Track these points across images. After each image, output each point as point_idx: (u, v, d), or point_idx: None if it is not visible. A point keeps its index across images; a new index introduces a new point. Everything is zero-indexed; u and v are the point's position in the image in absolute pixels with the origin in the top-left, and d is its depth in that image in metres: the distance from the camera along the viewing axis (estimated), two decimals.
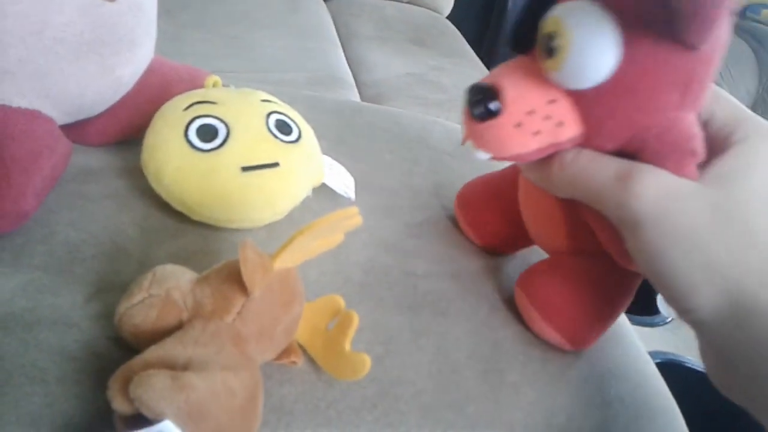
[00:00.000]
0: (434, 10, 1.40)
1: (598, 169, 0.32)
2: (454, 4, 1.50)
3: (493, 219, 0.47)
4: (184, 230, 0.40)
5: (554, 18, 0.30)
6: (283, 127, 0.42)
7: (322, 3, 1.25)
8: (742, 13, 2.20)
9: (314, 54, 1.05)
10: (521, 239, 0.47)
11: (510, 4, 1.83)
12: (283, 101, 0.46)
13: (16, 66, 0.34)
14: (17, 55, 0.34)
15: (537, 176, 0.36)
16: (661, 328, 0.88)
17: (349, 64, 1.11)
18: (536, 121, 0.31)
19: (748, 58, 1.96)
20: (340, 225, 0.32)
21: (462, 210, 0.49)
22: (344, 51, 1.14)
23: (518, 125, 0.31)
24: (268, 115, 0.41)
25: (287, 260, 0.32)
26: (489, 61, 1.92)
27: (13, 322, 0.32)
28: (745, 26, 2.10)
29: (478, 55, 1.42)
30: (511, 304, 0.45)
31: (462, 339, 0.42)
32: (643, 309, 0.94)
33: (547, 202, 0.40)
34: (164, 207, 0.41)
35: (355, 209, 0.31)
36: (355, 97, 1.01)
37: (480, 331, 0.43)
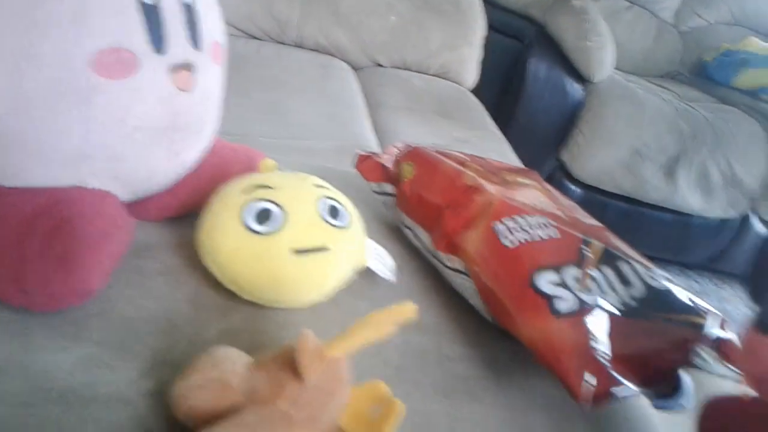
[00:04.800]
0: (459, 83, 1.45)
1: None
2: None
3: None
4: (234, 308, 0.42)
5: None
6: (334, 212, 0.43)
7: (353, 72, 1.30)
8: (755, 94, 2.24)
9: (343, 122, 1.08)
10: None
11: None
12: (332, 178, 0.48)
13: (95, 150, 0.36)
14: (98, 141, 0.36)
15: None
16: (675, 411, 0.86)
17: (376, 132, 1.14)
18: None
19: (760, 138, 1.99)
20: (394, 318, 0.34)
21: None
22: (372, 119, 1.18)
23: None
24: (321, 200, 0.43)
25: (340, 350, 0.34)
26: (506, 129, 1.97)
27: (73, 396, 0.33)
28: (757, 107, 2.14)
29: (496, 121, 1.45)
30: (546, 391, 0.46)
31: (495, 426, 0.42)
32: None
33: None
34: (215, 284, 0.42)
35: (412, 306, 0.32)
36: None
37: (513, 418, 0.43)
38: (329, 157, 0.98)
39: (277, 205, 0.41)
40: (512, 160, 1.29)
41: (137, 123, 0.37)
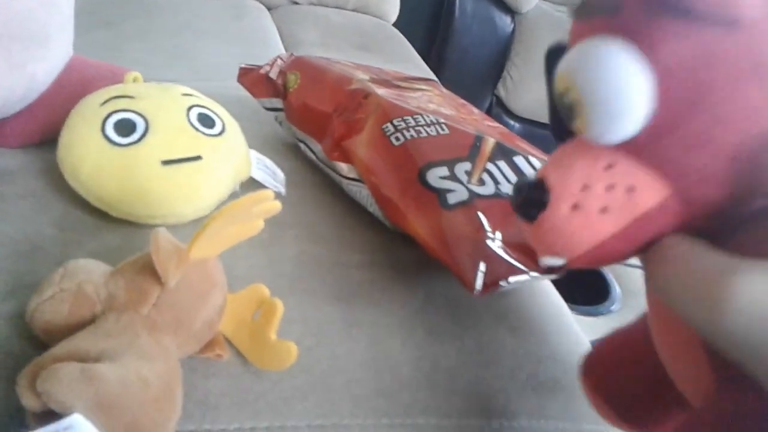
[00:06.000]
0: (380, 17, 1.41)
1: (689, 266, 0.22)
2: (402, 14, 1.51)
3: (631, 386, 0.36)
4: (105, 228, 0.39)
5: (561, 74, 0.25)
6: (206, 121, 0.41)
7: (266, 11, 1.25)
8: None
9: (258, 61, 1.04)
10: (667, 404, 0.35)
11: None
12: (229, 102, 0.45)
13: None
14: None
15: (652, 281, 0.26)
16: (606, 317, 0.89)
17: None
18: (597, 195, 0.24)
19: None
20: (258, 210, 0.32)
21: (590, 379, 0.38)
22: None
23: (575, 207, 0.25)
24: (190, 108, 0.41)
25: (204, 249, 0.32)
26: (438, 68, 1.94)
27: None
28: None
29: (427, 63, 1.43)
30: (448, 291, 0.45)
31: (396, 327, 0.41)
32: (590, 299, 0.96)
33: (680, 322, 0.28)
34: (84, 205, 0.40)
35: (269, 192, 0.30)
36: None
37: (414, 318, 0.43)
38: (242, 97, 0.94)
39: (139, 114, 0.39)
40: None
41: None
